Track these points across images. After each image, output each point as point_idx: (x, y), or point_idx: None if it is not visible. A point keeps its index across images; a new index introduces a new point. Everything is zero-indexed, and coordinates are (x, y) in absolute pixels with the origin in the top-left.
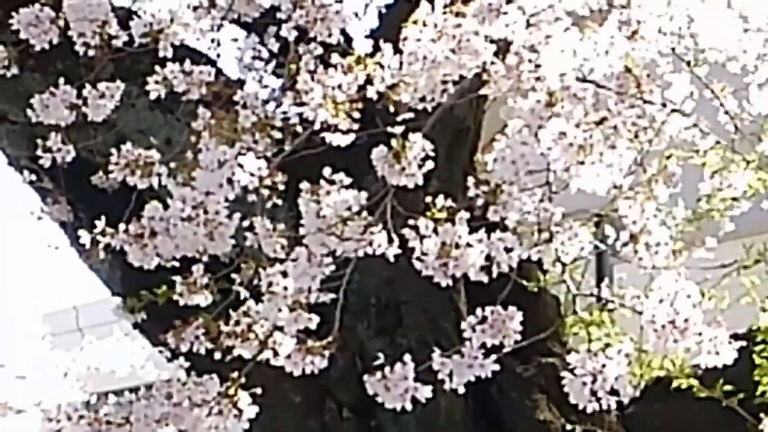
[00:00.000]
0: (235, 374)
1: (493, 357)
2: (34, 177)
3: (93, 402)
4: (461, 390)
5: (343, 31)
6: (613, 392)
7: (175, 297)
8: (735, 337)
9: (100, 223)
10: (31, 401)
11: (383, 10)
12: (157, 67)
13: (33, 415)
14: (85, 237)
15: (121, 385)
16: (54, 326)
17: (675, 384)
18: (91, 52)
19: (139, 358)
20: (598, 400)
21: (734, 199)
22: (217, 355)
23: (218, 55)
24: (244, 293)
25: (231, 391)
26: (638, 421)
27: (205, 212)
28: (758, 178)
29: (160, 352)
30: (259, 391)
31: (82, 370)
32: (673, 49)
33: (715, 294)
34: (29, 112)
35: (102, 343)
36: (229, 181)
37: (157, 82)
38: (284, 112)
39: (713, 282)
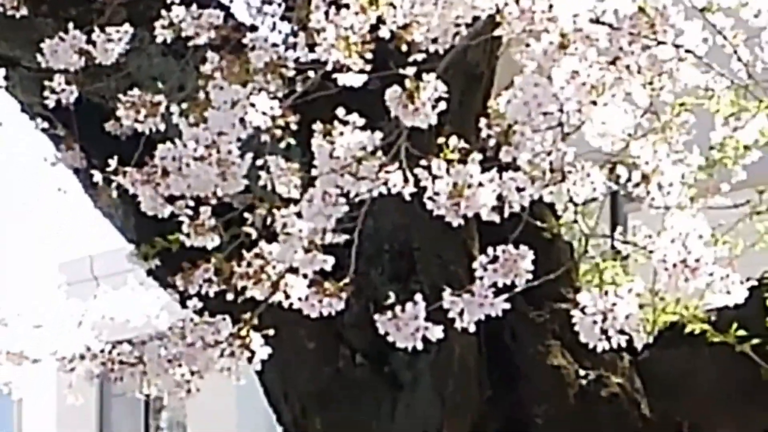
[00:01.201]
0: (247, 315)
1: (504, 296)
2: (47, 124)
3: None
4: (472, 328)
5: None
6: (623, 333)
7: (182, 238)
8: (748, 282)
9: (113, 162)
10: (47, 350)
11: None
12: (164, 12)
13: (49, 364)
14: (97, 176)
15: (136, 334)
16: (69, 275)
17: (688, 329)
18: None
19: (153, 308)
20: (609, 339)
21: (746, 147)
22: (230, 297)
23: (231, 1)
24: (256, 234)
25: (243, 333)
26: (652, 366)
27: (218, 152)
28: None
29: (176, 299)
30: (271, 332)
31: (97, 319)
32: None
33: (729, 239)
34: (39, 57)
35: (117, 292)
36: (242, 120)
37: (164, 27)
38: (296, 58)
39: (727, 228)
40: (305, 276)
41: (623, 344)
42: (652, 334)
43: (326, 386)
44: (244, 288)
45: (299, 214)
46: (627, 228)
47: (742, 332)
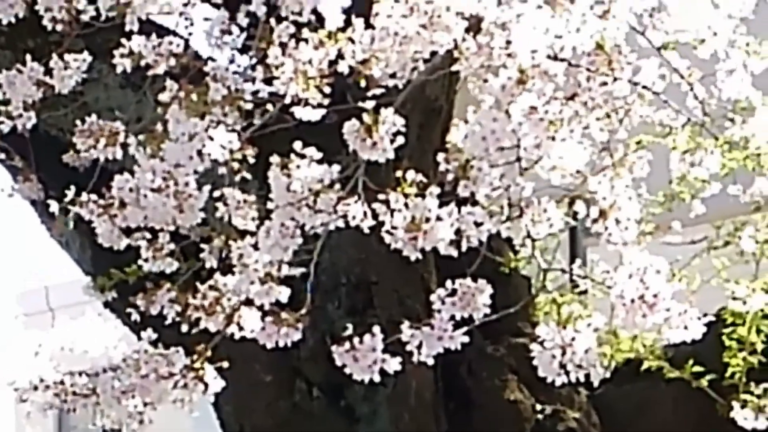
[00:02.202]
0: (201, 347)
1: (463, 330)
2: (3, 155)
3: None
4: (430, 362)
5: (314, 11)
6: (581, 367)
7: (143, 266)
8: (705, 318)
9: (70, 192)
10: (5, 380)
11: None
12: (123, 41)
13: (7, 394)
14: (54, 206)
15: (94, 365)
16: (27, 306)
17: (645, 365)
18: (59, 27)
19: (111, 339)
20: (567, 374)
21: (704, 181)
22: (184, 328)
23: (189, 33)
24: (212, 264)
25: (197, 365)
26: (608, 401)
27: (175, 184)
28: (729, 158)
29: (132, 330)
30: (226, 365)
31: (55, 350)
32: (643, 33)
33: (686, 275)
34: None
35: (75, 323)
36: (199, 153)
37: (123, 56)
38: (255, 90)
39: (683, 263)
40: (261, 307)
41: (581, 379)
42: (609, 369)
43: (283, 420)
44: (199, 320)
45: (256, 246)
46: (586, 262)
47: (698, 368)
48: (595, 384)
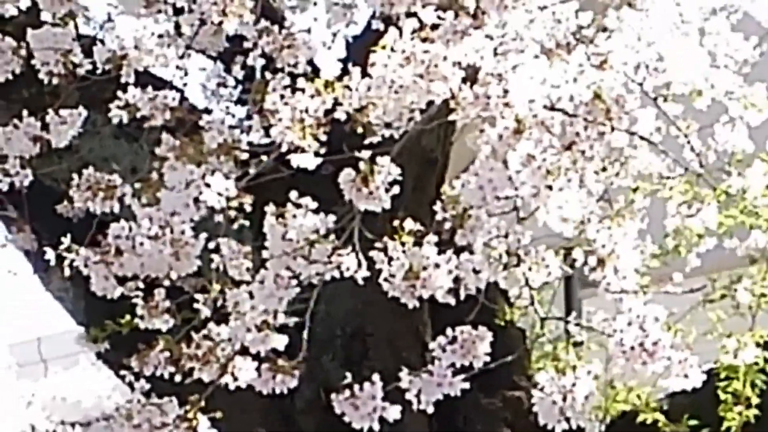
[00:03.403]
0: (194, 397)
1: (462, 376)
2: None
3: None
4: (430, 409)
5: (310, 62)
6: (581, 415)
7: (137, 320)
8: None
9: (66, 240)
10: None
11: (350, 40)
12: (120, 93)
13: None
14: (50, 254)
15: (86, 415)
16: (19, 357)
17: (640, 418)
18: (55, 81)
19: (104, 389)
20: (567, 420)
21: (700, 235)
22: (178, 378)
23: (185, 84)
24: (206, 314)
25: (190, 415)
26: None
27: (171, 232)
28: (725, 215)
29: (124, 381)
30: (219, 415)
31: (47, 400)
32: (641, 84)
33: (682, 327)
34: None
35: (67, 373)
36: (195, 201)
37: (119, 108)
38: (250, 141)
39: (680, 315)
40: (257, 355)
41: (581, 427)
42: (605, 422)
43: None
44: (192, 369)
45: (251, 294)
46: (581, 314)
47: (693, 422)
48: None
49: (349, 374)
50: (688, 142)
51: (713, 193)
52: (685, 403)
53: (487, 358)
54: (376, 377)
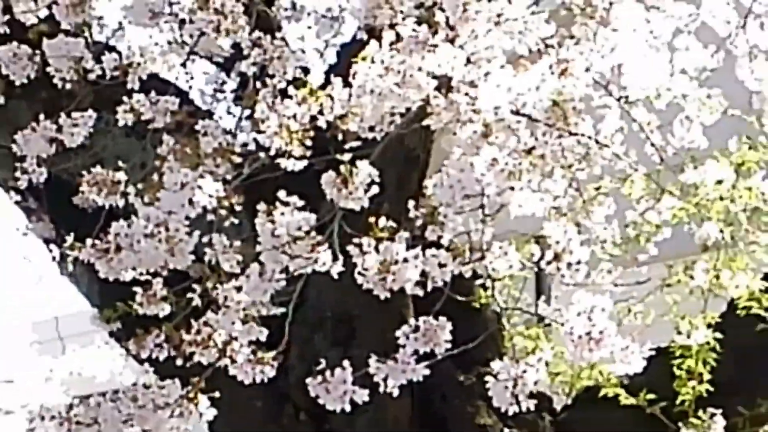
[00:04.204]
0: (195, 379)
1: (425, 363)
2: (19, 197)
3: (75, 404)
4: (395, 392)
5: (304, 68)
6: (533, 396)
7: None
8: (658, 350)
9: (69, 238)
10: (19, 403)
11: (339, 49)
12: (125, 97)
13: (21, 417)
14: (56, 251)
15: (101, 389)
16: (41, 334)
17: (602, 393)
18: (68, 85)
19: (117, 364)
20: (518, 403)
21: (658, 226)
22: (179, 362)
23: (190, 87)
24: (198, 303)
25: (191, 395)
26: (569, 426)
27: (167, 230)
28: (681, 207)
29: (134, 358)
30: (218, 395)
31: (65, 375)
32: (606, 86)
33: (642, 310)
34: (14, 146)
35: (84, 350)
36: (190, 201)
37: (125, 111)
38: (244, 143)
39: (638, 299)
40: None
41: (532, 408)
42: (571, 396)
43: None
44: (193, 354)
45: (239, 288)
46: (550, 299)
47: (651, 396)
48: (558, 410)
49: (337, 353)
50: (648, 138)
51: (670, 189)
52: (643, 379)
53: (449, 345)
54: (346, 363)
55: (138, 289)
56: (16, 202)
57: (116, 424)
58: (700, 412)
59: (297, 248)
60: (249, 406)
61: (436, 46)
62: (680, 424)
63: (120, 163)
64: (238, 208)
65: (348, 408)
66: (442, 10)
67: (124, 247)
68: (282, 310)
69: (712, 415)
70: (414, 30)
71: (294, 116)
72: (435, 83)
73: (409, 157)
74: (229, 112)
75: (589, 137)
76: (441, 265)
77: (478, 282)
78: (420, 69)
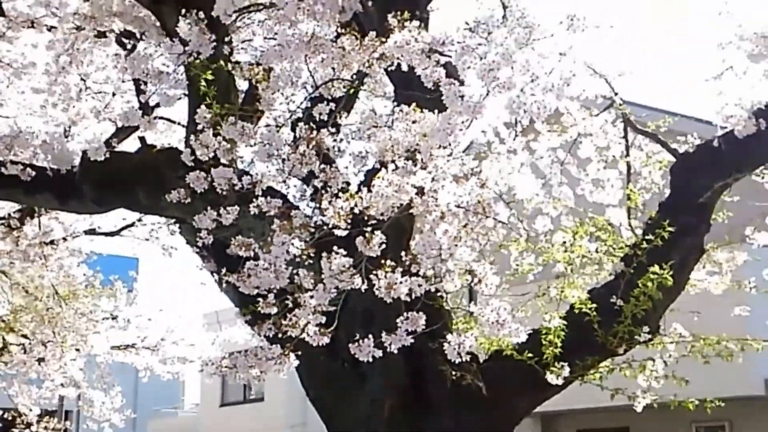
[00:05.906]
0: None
1: (410, 336)
2: (197, 249)
3: (224, 358)
4: (395, 350)
5: (346, 182)
6: (468, 354)
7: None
8: (534, 330)
9: (224, 271)
10: (196, 357)
11: (366, 173)
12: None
13: (196, 365)
14: (217, 278)
15: (238, 350)
16: (209, 320)
17: (505, 353)
18: (224, 193)
19: (248, 337)
20: (460, 356)
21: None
22: (280, 335)
23: (287, 192)
24: (292, 305)
25: (286, 353)
26: (488, 371)
27: (275, 267)
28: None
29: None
30: (300, 353)
31: (221, 343)
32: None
33: (525, 310)
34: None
35: (231, 329)
36: (287, 252)
37: (254, 206)
38: (315, 221)
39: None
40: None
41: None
42: (488, 353)
43: (329, 376)
44: (287, 331)
45: (312, 296)
46: (477, 302)
47: (530, 354)
48: (481, 360)
49: (364, 330)
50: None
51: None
52: (527, 345)
53: (423, 327)
54: (369, 337)
55: (260, 298)
56: (196, 252)
57: (245, 369)
58: (556, 364)
59: (342, 276)
60: (317, 360)
61: (415, 172)
62: (546, 371)
63: (251, 233)
64: (312, 255)
65: (371, 359)
66: (419, 152)
67: (252, 276)
68: (334, 308)
69: (562, 366)
70: (404, 163)
71: (341, 208)
72: (414, 191)
73: (401, 229)
74: (307, 206)
75: (499, 220)
76: (419, 285)
77: (439, 294)
78: (407, 183)
